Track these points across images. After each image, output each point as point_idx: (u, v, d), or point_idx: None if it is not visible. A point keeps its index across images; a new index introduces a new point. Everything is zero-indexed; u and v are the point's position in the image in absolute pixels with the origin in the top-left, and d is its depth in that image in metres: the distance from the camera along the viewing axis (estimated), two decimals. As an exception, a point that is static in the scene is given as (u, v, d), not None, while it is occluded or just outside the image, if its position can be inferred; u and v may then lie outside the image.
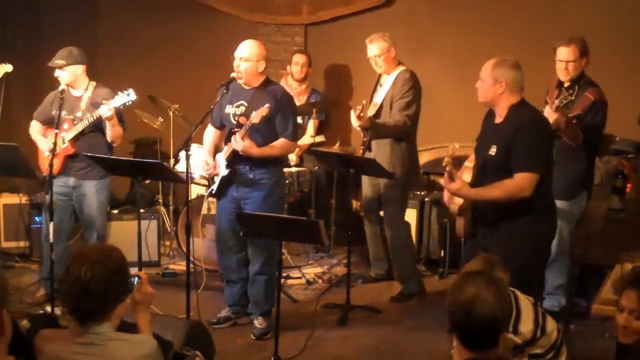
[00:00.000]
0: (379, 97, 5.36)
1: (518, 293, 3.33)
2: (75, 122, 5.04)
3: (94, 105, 4.99)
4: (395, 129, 5.21)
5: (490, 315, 2.32)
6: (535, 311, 3.33)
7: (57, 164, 5.04)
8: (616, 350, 3.06)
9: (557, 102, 4.65)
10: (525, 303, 3.34)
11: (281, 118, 4.59)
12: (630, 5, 5.91)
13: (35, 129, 5.25)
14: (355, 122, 5.18)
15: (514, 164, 3.72)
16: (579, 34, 4.87)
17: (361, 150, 5.41)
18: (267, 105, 4.43)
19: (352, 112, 5.18)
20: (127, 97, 4.86)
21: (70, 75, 5.03)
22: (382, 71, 5.36)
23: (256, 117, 4.43)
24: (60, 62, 4.99)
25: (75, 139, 5.04)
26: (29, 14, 7.47)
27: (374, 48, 5.29)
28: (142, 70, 6.96)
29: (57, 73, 5.03)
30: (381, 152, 5.29)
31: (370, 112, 5.34)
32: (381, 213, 5.55)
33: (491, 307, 2.32)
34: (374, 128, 5.23)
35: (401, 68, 5.32)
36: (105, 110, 4.82)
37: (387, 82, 5.34)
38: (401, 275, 5.50)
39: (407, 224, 5.58)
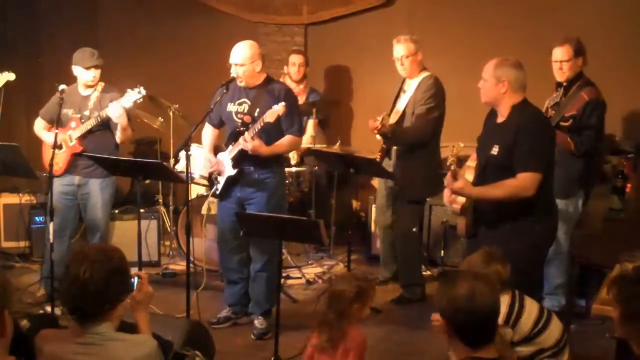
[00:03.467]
0: (401, 104, 5.24)
1: (526, 296, 3.36)
2: (83, 121, 5.07)
3: (103, 104, 5.04)
4: (417, 136, 5.11)
5: (491, 305, 2.34)
6: (539, 312, 3.35)
7: (63, 162, 5.08)
8: (616, 350, 3.06)
9: (546, 103, 4.66)
10: (533, 304, 3.35)
11: (286, 115, 4.55)
12: (630, 6, 5.91)
13: (40, 125, 5.27)
14: (373, 132, 5.13)
15: (517, 163, 3.72)
16: (576, 34, 4.87)
17: (378, 157, 5.27)
18: (282, 103, 4.42)
19: (370, 121, 5.09)
20: (137, 94, 4.91)
21: (98, 75, 5.10)
22: (406, 74, 5.23)
23: (271, 116, 4.41)
24: (100, 61, 5.07)
25: (82, 137, 5.08)
26: (29, 14, 7.47)
27: (401, 48, 5.16)
28: (142, 70, 6.95)
29: (93, 73, 5.06)
30: (401, 162, 5.23)
31: (393, 119, 5.22)
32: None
33: (489, 297, 2.34)
34: (394, 135, 5.13)
35: (425, 73, 5.20)
36: (117, 111, 4.86)
37: (410, 88, 5.21)
38: (406, 283, 5.47)
39: (416, 235, 5.50)
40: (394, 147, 5.28)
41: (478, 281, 2.37)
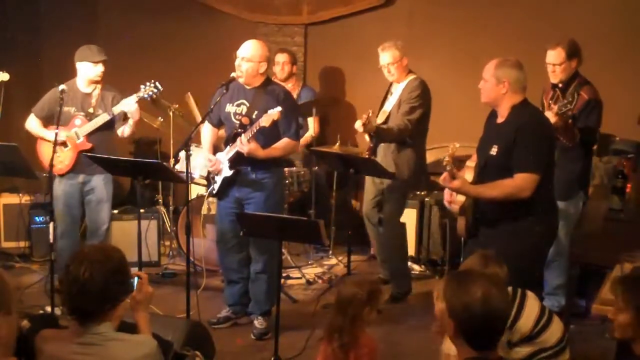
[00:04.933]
0: (388, 105, 5.34)
1: (529, 293, 3.35)
2: (89, 119, 5.10)
3: (106, 102, 5.14)
4: (399, 133, 5.17)
5: (505, 309, 2.33)
6: (540, 311, 3.34)
7: (70, 159, 5.11)
8: (616, 350, 3.06)
9: (556, 108, 4.64)
10: (534, 303, 3.35)
11: (284, 118, 4.56)
12: (630, 6, 5.91)
13: (35, 123, 5.25)
14: (359, 129, 5.18)
15: (515, 163, 3.72)
16: (575, 34, 4.87)
17: (367, 155, 5.35)
18: (278, 109, 4.43)
19: (358, 121, 5.14)
20: (154, 89, 5.08)
21: (103, 70, 5.14)
22: (393, 79, 5.32)
23: (266, 120, 4.42)
24: (106, 57, 5.14)
25: (89, 135, 5.11)
26: (29, 14, 7.46)
27: (386, 56, 5.26)
28: (142, 70, 6.94)
29: (102, 68, 5.12)
30: (387, 157, 5.28)
31: (380, 119, 5.33)
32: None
33: (503, 302, 2.32)
34: (378, 133, 5.22)
35: (412, 76, 5.29)
36: (133, 106, 5.00)
37: (397, 90, 5.31)
38: (393, 274, 5.50)
39: (402, 224, 5.57)
40: (381, 144, 5.32)
41: (492, 285, 2.35)
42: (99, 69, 5.11)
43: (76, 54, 5.15)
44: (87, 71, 5.11)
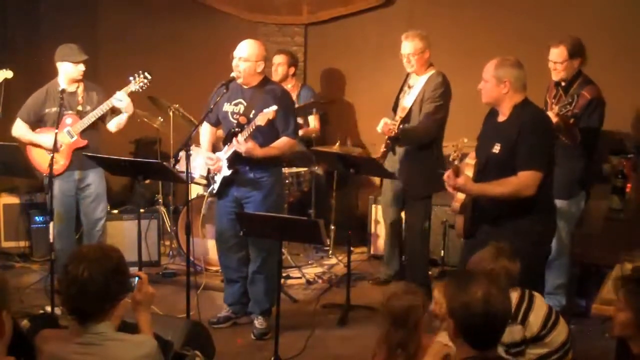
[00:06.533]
0: (408, 101, 5.21)
1: (537, 294, 3.36)
2: (80, 116, 5.11)
3: (92, 98, 5.16)
4: (425, 133, 5.08)
5: (506, 309, 2.33)
6: (548, 310, 3.35)
7: (65, 158, 5.13)
8: (616, 350, 3.06)
9: (556, 108, 4.64)
10: (541, 303, 3.36)
11: (282, 117, 4.57)
12: (631, 5, 5.90)
13: (25, 129, 5.21)
14: (380, 129, 5.09)
15: (518, 162, 3.72)
16: (576, 33, 4.87)
17: (382, 152, 5.25)
18: (274, 108, 4.43)
19: (382, 120, 5.06)
20: (143, 79, 5.10)
21: (84, 69, 5.15)
22: (412, 70, 5.22)
23: (262, 119, 4.42)
24: (86, 56, 5.12)
25: (82, 132, 5.13)
26: (29, 14, 7.46)
27: (409, 46, 5.14)
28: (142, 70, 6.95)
29: (83, 68, 5.12)
30: (407, 158, 5.21)
31: (399, 115, 5.20)
32: (402, 214, 5.53)
33: (502, 302, 2.33)
34: (404, 136, 5.09)
35: (433, 71, 5.19)
36: (125, 101, 5.04)
37: (417, 84, 5.19)
38: (415, 283, 5.46)
39: (427, 233, 5.49)
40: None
41: (492, 285, 2.35)
42: (80, 68, 5.12)
43: (57, 54, 5.15)
44: (68, 71, 5.13)
